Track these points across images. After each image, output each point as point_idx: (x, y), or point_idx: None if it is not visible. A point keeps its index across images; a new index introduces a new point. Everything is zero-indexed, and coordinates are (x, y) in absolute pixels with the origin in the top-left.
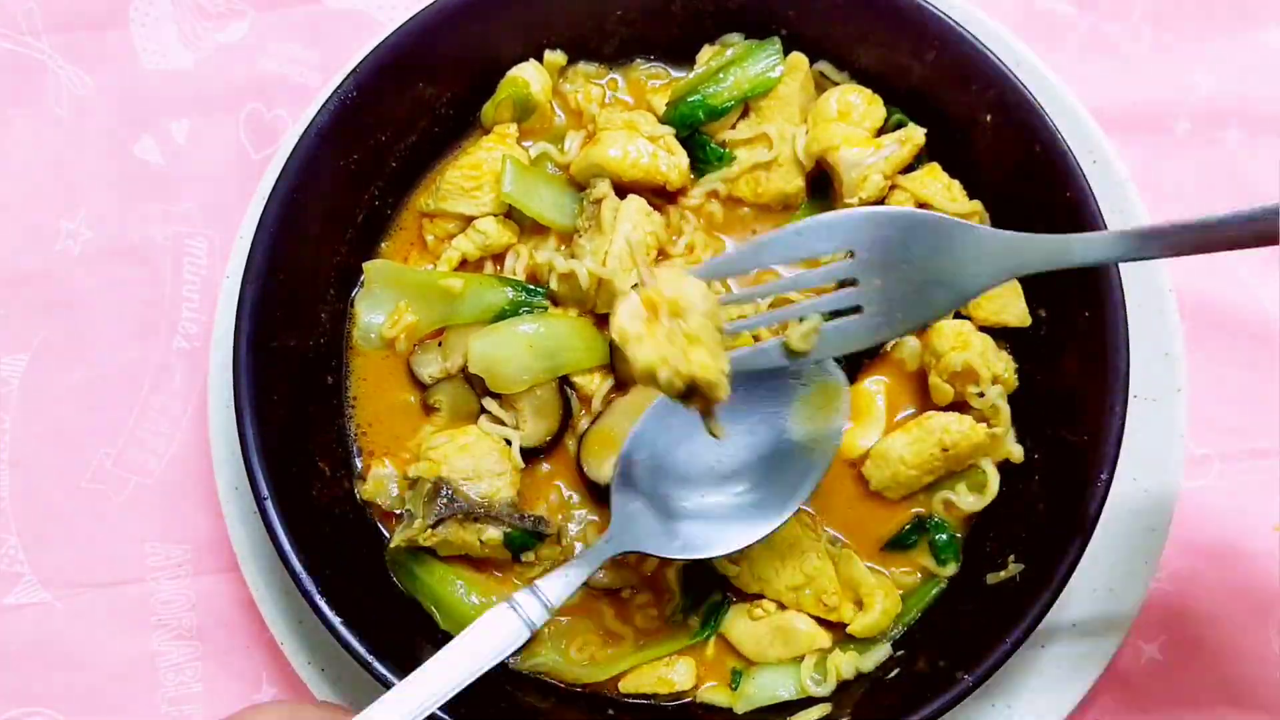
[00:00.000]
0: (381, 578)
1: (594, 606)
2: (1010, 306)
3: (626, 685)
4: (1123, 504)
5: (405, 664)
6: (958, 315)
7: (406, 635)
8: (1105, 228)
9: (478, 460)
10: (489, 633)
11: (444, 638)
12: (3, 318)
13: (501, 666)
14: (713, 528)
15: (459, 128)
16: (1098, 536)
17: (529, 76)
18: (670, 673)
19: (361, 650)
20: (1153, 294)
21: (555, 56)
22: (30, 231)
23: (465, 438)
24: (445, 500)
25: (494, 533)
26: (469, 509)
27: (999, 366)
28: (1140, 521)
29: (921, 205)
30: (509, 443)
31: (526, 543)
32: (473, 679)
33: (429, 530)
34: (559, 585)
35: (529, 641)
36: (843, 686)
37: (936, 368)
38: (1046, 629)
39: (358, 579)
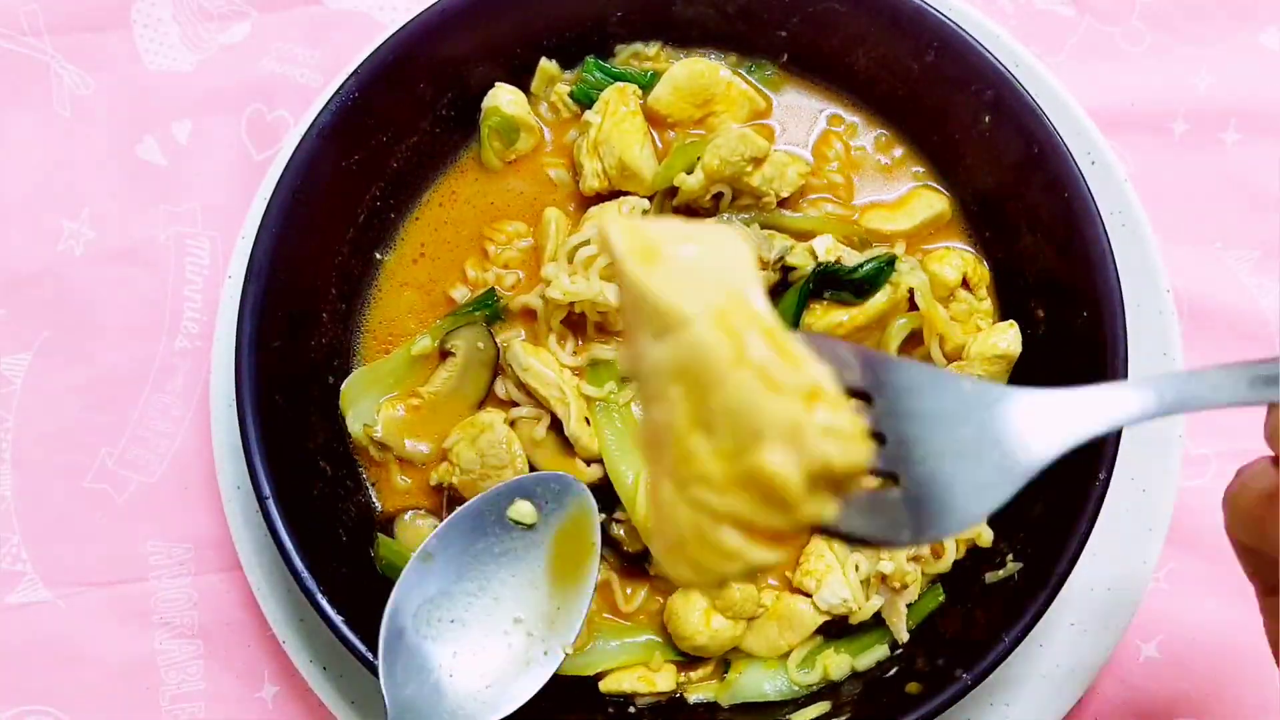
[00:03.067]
0: (383, 575)
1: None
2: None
3: (607, 685)
4: (1121, 504)
5: None
6: None
7: None
8: (1106, 230)
9: (483, 453)
10: None
11: None
12: (6, 317)
13: None
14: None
15: (460, 128)
16: (1096, 535)
17: (500, 101)
18: (653, 674)
19: (363, 649)
20: (1152, 294)
21: (551, 67)
22: (33, 232)
23: (472, 429)
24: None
25: None
26: None
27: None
28: (1138, 521)
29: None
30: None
31: None
32: None
33: None
34: None
35: None
36: (837, 685)
37: None
38: (1045, 628)
39: (359, 577)
